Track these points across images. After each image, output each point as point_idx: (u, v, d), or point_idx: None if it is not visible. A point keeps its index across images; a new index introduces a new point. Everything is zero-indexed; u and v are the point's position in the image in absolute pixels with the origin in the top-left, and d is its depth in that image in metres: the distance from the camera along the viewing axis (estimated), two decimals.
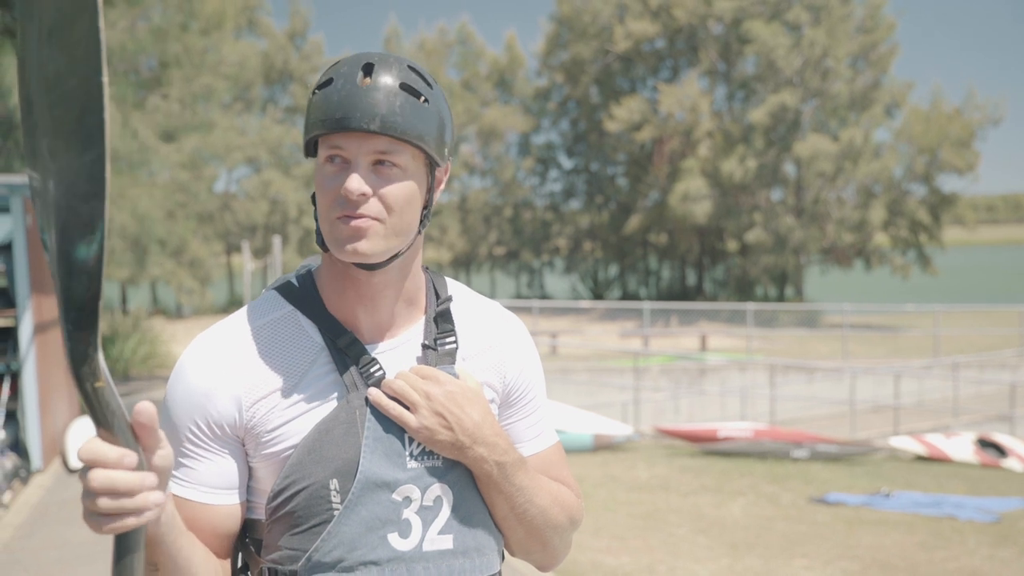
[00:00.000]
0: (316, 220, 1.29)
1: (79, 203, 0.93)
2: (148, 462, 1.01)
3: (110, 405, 0.98)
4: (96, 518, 0.99)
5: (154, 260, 17.13)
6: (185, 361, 1.29)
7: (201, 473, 1.26)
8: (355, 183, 1.20)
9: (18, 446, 8.16)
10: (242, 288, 31.82)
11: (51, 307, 9.02)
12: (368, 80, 1.21)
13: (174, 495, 1.25)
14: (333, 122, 1.20)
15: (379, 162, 1.22)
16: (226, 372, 1.26)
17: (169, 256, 18.83)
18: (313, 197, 1.29)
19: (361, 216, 1.21)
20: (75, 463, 8.23)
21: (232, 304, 36.16)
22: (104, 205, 0.93)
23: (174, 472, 1.27)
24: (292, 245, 35.49)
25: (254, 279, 33.50)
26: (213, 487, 1.27)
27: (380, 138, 1.21)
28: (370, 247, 1.22)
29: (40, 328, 8.27)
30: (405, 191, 1.24)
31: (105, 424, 0.99)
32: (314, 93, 1.23)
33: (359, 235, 1.21)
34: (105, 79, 0.91)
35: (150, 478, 1.00)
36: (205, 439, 1.26)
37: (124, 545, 1.01)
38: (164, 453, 1.02)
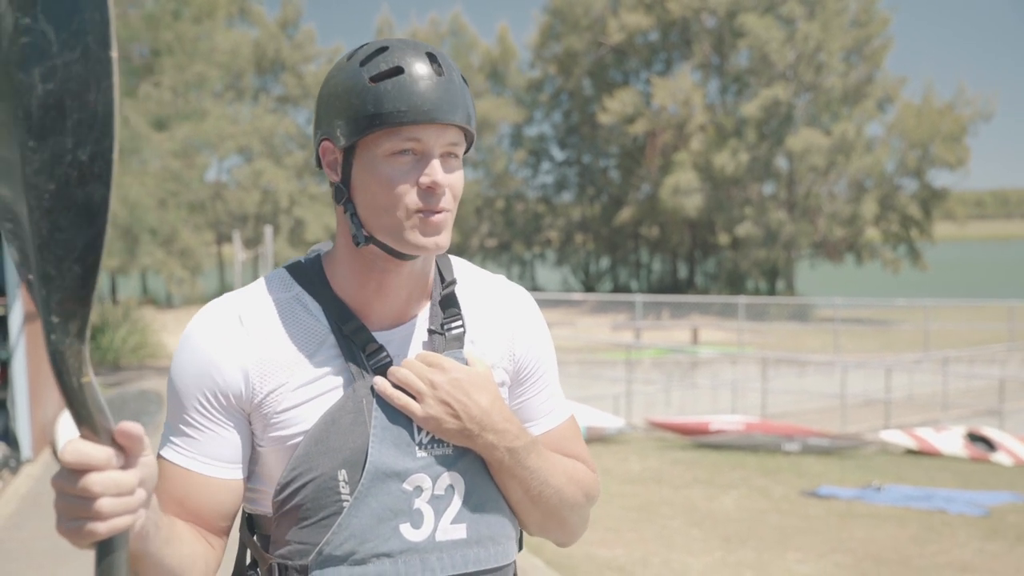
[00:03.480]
0: (353, 214, 1.24)
1: (82, 184, 0.89)
2: (131, 467, 0.96)
3: (96, 402, 0.92)
4: (80, 523, 0.93)
5: (145, 249, 17.03)
6: (193, 329, 1.26)
7: (204, 444, 1.24)
8: (443, 176, 1.20)
9: (8, 436, 8.11)
10: (233, 278, 31.75)
11: None
12: (442, 72, 1.20)
13: (175, 464, 1.24)
14: (420, 113, 1.17)
15: (446, 153, 1.22)
16: (235, 342, 1.24)
17: (160, 245, 18.73)
18: (339, 189, 1.25)
19: (442, 210, 1.21)
20: None
21: (222, 294, 36.04)
22: (110, 185, 0.90)
23: (175, 440, 1.25)
24: (283, 235, 35.36)
25: (245, 269, 33.35)
26: (215, 459, 1.24)
27: (453, 129, 1.21)
28: (446, 240, 1.23)
29: (30, 317, 8.21)
30: (463, 180, 1.26)
31: (89, 423, 0.92)
32: (373, 81, 1.18)
33: (440, 229, 1.22)
34: (114, 54, 0.87)
35: (137, 475, 0.96)
36: (211, 409, 1.23)
37: (109, 543, 0.95)
38: (147, 460, 0.98)
